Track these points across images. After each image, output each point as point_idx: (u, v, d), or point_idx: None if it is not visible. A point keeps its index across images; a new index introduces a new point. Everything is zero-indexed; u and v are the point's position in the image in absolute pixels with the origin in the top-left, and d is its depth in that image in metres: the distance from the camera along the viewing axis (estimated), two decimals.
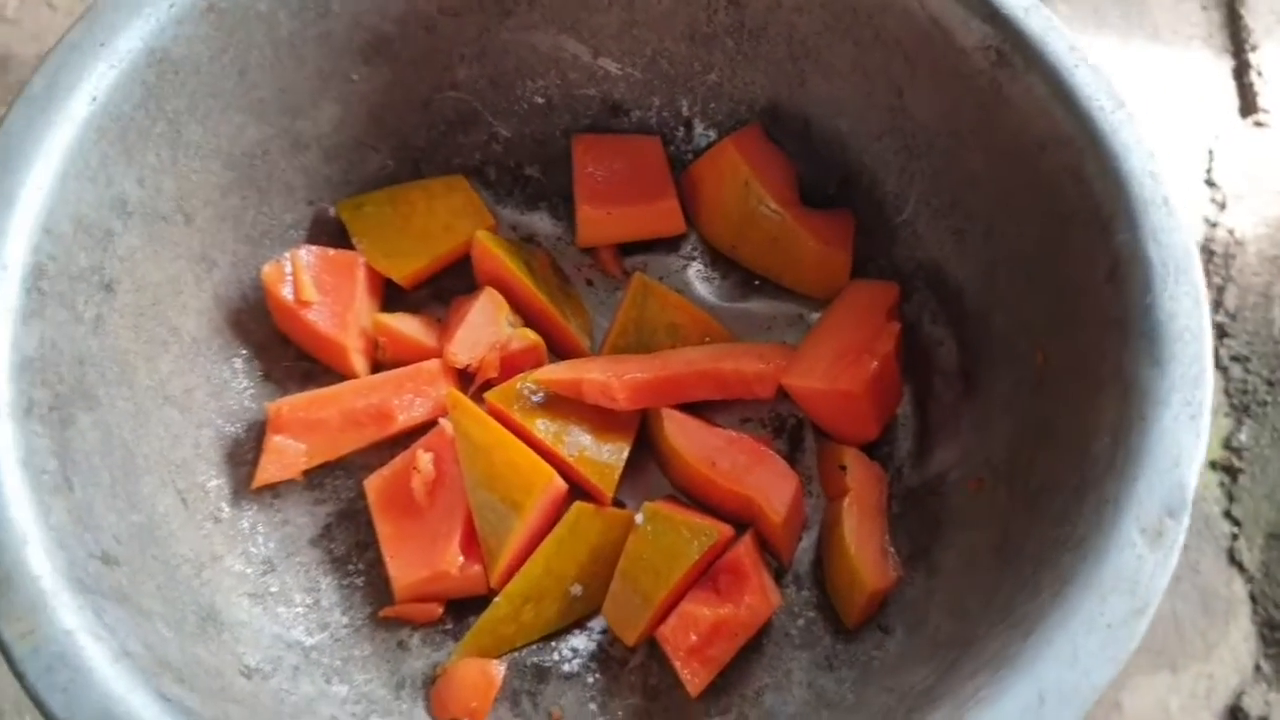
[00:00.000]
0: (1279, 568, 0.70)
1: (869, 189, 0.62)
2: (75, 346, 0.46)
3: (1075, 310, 0.48)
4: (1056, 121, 0.49)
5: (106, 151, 0.48)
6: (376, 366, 0.60)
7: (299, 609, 0.54)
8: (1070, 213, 0.48)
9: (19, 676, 0.37)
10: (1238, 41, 0.95)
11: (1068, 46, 0.50)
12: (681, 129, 0.66)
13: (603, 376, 0.56)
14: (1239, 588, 0.71)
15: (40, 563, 0.39)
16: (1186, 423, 0.41)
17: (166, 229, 0.52)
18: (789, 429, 0.61)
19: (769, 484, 0.55)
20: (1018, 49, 0.50)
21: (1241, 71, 0.94)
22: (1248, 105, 0.90)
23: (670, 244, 0.66)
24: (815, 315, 0.64)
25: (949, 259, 0.58)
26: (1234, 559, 0.71)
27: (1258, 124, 0.89)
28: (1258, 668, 0.68)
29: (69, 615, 0.38)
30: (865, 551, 0.54)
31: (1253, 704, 0.68)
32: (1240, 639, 0.69)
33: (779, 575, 0.57)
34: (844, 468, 0.57)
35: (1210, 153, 0.86)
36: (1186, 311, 0.43)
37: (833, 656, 0.54)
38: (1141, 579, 0.39)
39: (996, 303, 0.55)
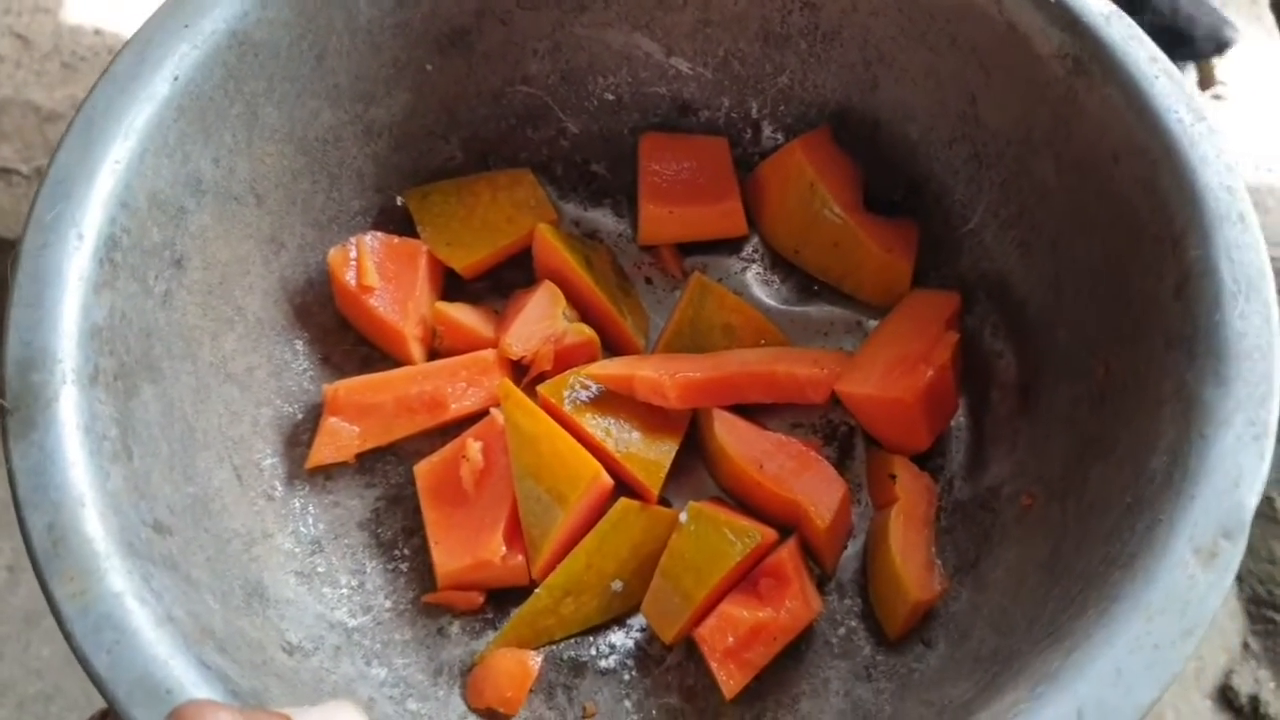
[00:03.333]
0: (1262, 544, 0.68)
1: (936, 197, 0.61)
2: (143, 319, 0.48)
3: (1140, 326, 0.46)
4: (1132, 132, 0.47)
5: (185, 130, 0.49)
6: (433, 354, 0.61)
7: (344, 590, 0.55)
8: (1141, 226, 0.47)
9: (66, 635, 0.38)
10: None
11: (1148, 56, 0.48)
12: (749, 130, 0.66)
13: (655, 374, 0.56)
14: None
15: (94, 526, 0.40)
16: (1250, 443, 0.40)
17: (238, 209, 0.54)
18: (840, 436, 0.61)
19: (816, 489, 0.54)
20: (1096, 58, 0.49)
21: None
22: (1205, 79, 0.90)
23: (731, 245, 0.66)
24: (874, 322, 0.63)
25: (1014, 270, 0.57)
26: None
27: (1216, 97, 0.88)
28: (1245, 645, 0.67)
29: (118, 578, 0.39)
30: (911, 562, 0.53)
31: (1242, 682, 0.66)
32: (1227, 617, 0.68)
33: (822, 582, 0.57)
34: (893, 477, 0.56)
35: None
36: (1256, 330, 0.42)
37: (872, 667, 0.54)
38: (1192, 600, 0.37)
39: (1060, 316, 0.53)
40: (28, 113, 0.89)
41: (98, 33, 0.95)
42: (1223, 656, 0.67)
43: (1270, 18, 0.99)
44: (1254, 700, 0.69)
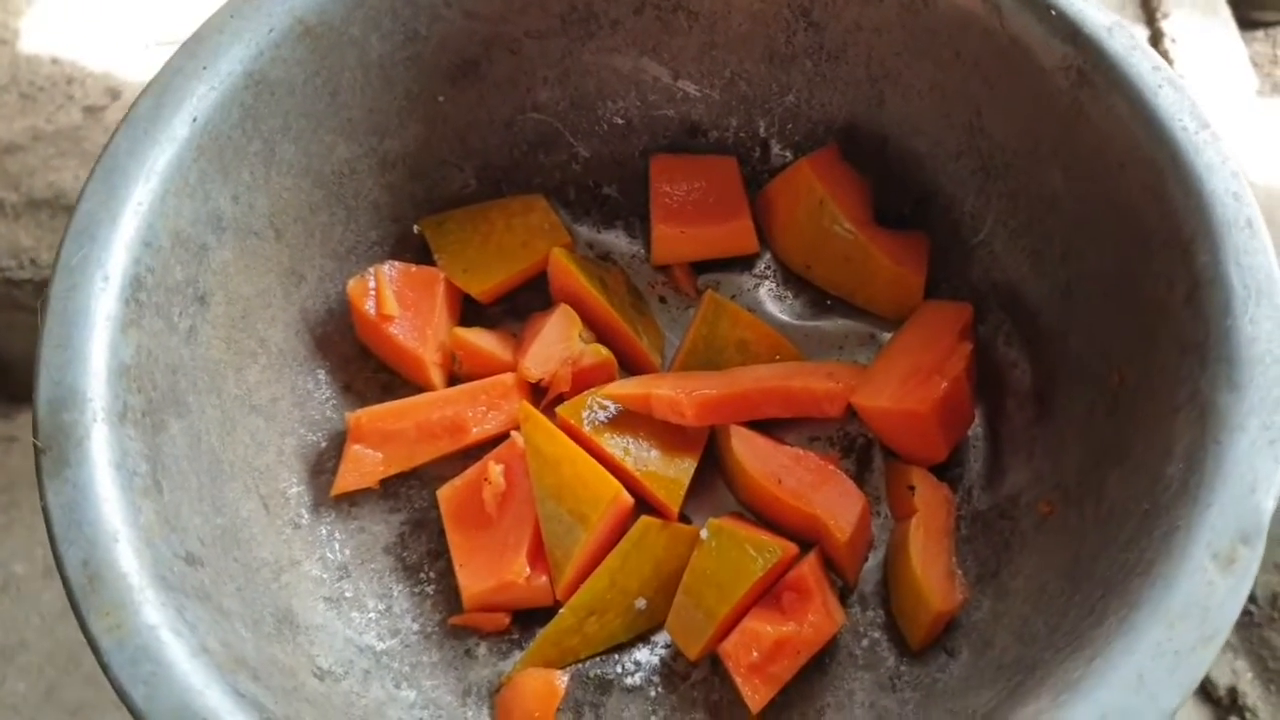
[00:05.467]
0: None
1: (945, 209, 0.61)
2: (169, 355, 0.48)
3: (1152, 332, 0.47)
4: (1138, 142, 0.48)
5: (205, 169, 0.50)
6: (453, 379, 0.62)
7: (371, 614, 0.55)
8: (1150, 234, 0.47)
9: (104, 668, 0.39)
10: (1149, 10, 0.96)
11: (1151, 67, 0.49)
12: (758, 149, 0.67)
13: (672, 392, 0.56)
14: None
15: (129, 561, 0.41)
16: (1264, 448, 0.40)
17: (258, 244, 0.55)
18: (858, 448, 0.61)
19: (835, 502, 0.55)
20: (1100, 69, 0.49)
21: (1156, 40, 0.95)
22: None
23: (744, 263, 0.67)
24: (887, 335, 0.64)
25: (1025, 280, 0.57)
26: None
27: None
28: None
29: (153, 611, 0.40)
30: (931, 573, 0.53)
31: (1220, 674, 0.66)
32: None
33: (844, 595, 0.57)
34: (912, 488, 0.56)
35: None
36: (1267, 335, 0.42)
37: (896, 678, 0.54)
38: (1212, 606, 0.38)
39: (1072, 325, 0.54)
40: None
41: (55, 62, 0.95)
42: None
43: (1226, 10, 1.00)
44: (1232, 691, 0.69)
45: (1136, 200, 0.48)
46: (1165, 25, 0.96)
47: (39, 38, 0.97)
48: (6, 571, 0.88)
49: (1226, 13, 1.00)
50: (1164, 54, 0.91)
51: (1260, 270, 0.43)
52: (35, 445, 0.42)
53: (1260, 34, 1.12)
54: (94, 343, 0.44)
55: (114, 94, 0.93)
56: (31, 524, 0.90)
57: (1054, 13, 0.50)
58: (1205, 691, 0.68)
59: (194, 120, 0.50)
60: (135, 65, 0.95)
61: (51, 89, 0.93)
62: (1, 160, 0.89)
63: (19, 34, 0.96)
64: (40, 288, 0.84)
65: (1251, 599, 0.69)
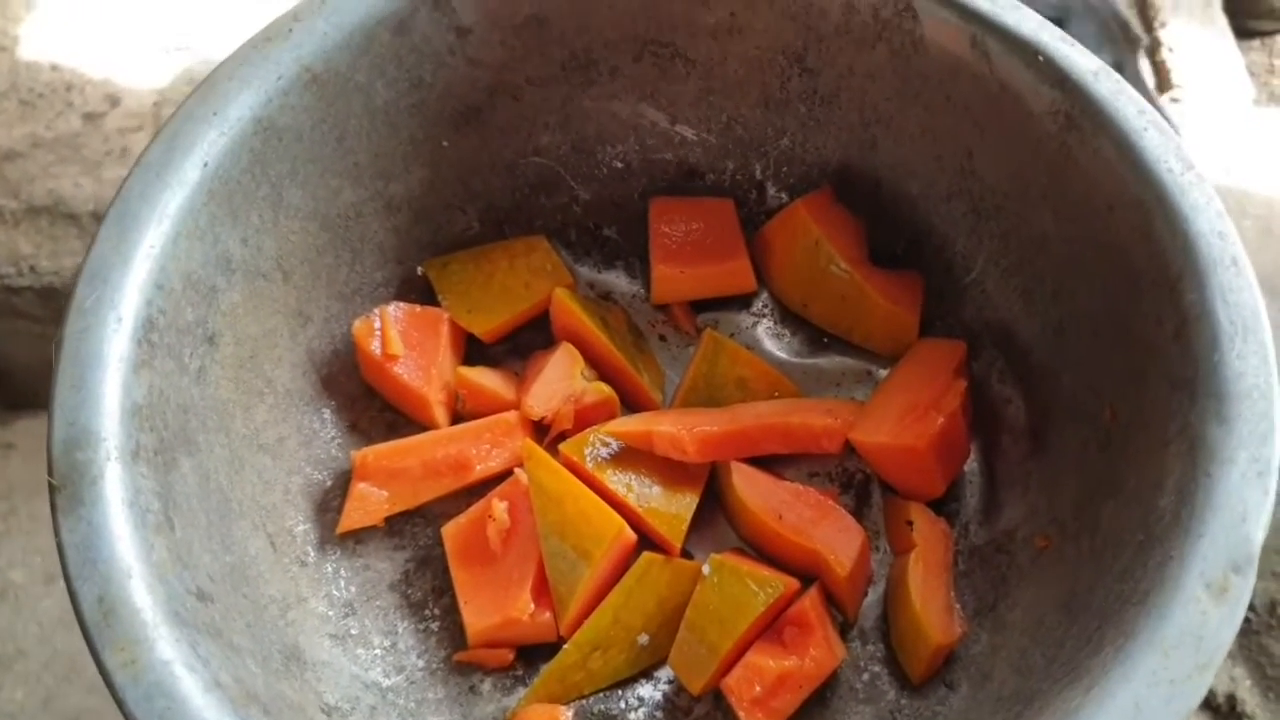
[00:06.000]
0: None
1: (938, 249, 0.63)
2: (180, 395, 0.49)
3: (1143, 369, 0.48)
4: (1126, 183, 0.49)
5: (215, 213, 0.51)
6: (457, 418, 0.63)
7: (377, 651, 0.56)
8: (1138, 273, 0.49)
9: (119, 703, 0.40)
10: (1147, 19, 0.97)
11: (1137, 110, 0.50)
12: (754, 192, 0.68)
13: (673, 429, 0.57)
14: None
15: (142, 596, 0.41)
16: (1254, 480, 0.41)
17: (266, 286, 0.56)
18: (856, 484, 0.62)
19: (835, 538, 0.56)
20: (1087, 113, 0.51)
21: (1154, 49, 0.95)
22: (1162, 82, 0.90)
23: (742, 301, 0.68)
24: (884, 372, 0.65)
25: (1017, 318, 0.59)
26: None
27: (1173, 100, 0.89)
28: None
29: (167, 647, 0.40)
30: (930, 606, 0.54)
31: (1219, 681, 0.66)
32: None
33: (844, 629, 0.58)
34: (910, 523, 0.57)
35: None
36: (1254, 370, 0.43)
37: (897, 711, 0.54)
38: (1206, 634, 0.38)
39: (1065, 362, 0.55)
40: None
41: (55, 69, 0.95)
42: None
43: (1223, 20, 1.01)
44: (1230, 699, 0.69)
45: (1125, 240, 0.49)
46: (1163, 34, 0.96)
47: (38, 44, 0.97)
48: (4, 579, 0.87)
49: (1223, 22, 1.01)
50: (1161, 63, 0.91)
51: (1246, 307, 0.45)
52: (50, 484, 0.43)
53: (1257, 43, 1.12)
54: (108, 383, 0.45)
55: (113, 101, 0.93)
56: (30, 531, 0.90)
57: (1041, 58, 0.52)
58: (1204, 699, 0.68)
59: (205, 165, 0.51)
60: (135, 72, 0.95)
61: (51, 96, 0.93)
62: (1, 167, 0.89)
63: (18, 40, 0.97)
64: (40, 295, 0.84)
65: (1250, 606, 0.69)
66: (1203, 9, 1.00)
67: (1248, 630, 0.69)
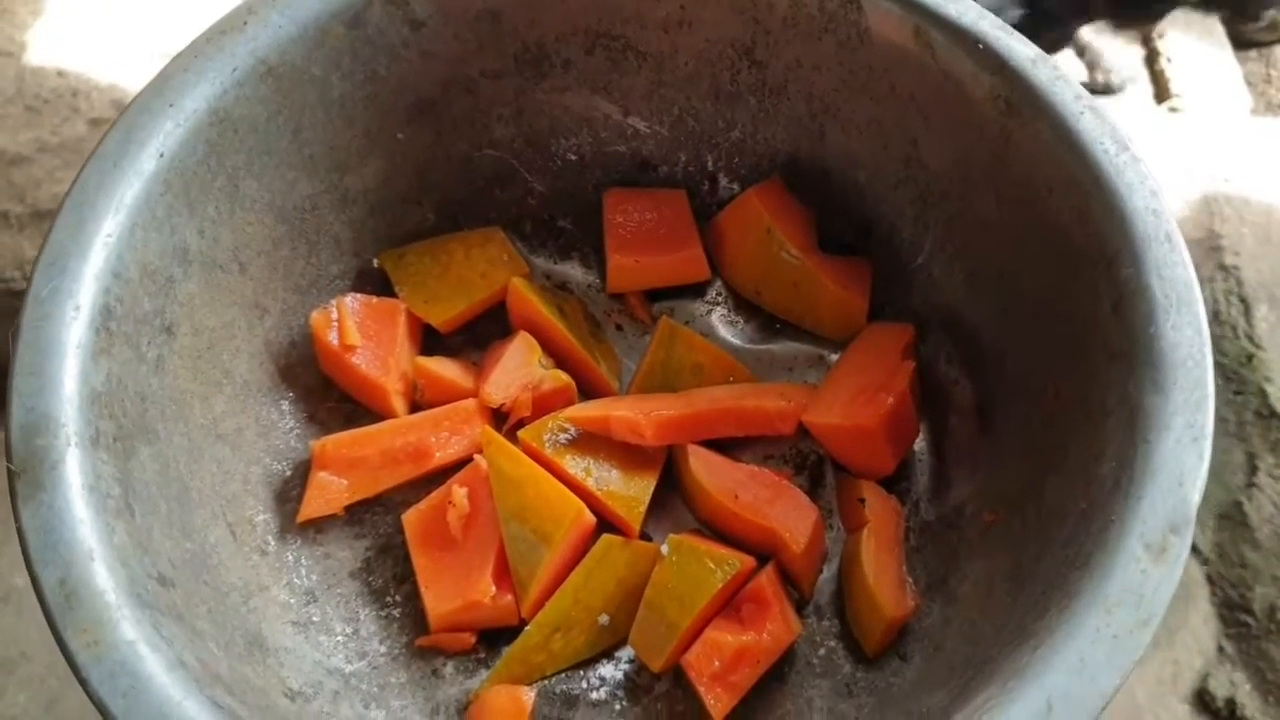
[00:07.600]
0: (1232, 548, 0.70)
1: (886, 236, 0.64)
2: (138, 383, 0.49)
3: (1083, 344, 0.50)
4: (1063, 165, 0.51)
5: (172, 203, 0.51)
6: (415, 408, 0.63)
7: (339, 638, 0.56)
8: (1077, 251, 0.50)
9: (83, 683, 0.40)
10: (1145, 31, 0.98)
11: (1073, 95, 0.52)
12: (706, 182, 0.69)
13: (631, 414, 0.58)
14: (1195, 570, 0.71)
15: (104, 579, 0.41)
16: (1189, 445, 0.43)
17: (223, 277, 0.56)
18: (810, 465, 0.63)
19: (790, 516, 0.57)
20: (1025, 99, 0.52)
21: (1152, 59, 0.97)
22: (1161, 91, 0.93)
23: (696, 290, 0.69)
24: (835, 356, 0.66)
25: (963, 301, 0.60)
26: None
27: (1172, 109, 0.91)
28: (1220, 649, 0.69)
29: (130, 627, 0.40)
30: (883, 581, 0.55)
31: (1219, 686, 0.68)
32: (1200, 621, 0.70)
33: (800, 606, 0.59)
34: (863, 501, 0.59)
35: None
36: (1189, 340, 0.45)
37: (852, 684, 0.56)
38: (1146, 592, 0.40)
39: (1009, 343, 0.57)
40: None
41: (61, 75, 0.95)
42: (1199, 660, 0.69)
43: (1220, 30, 1.03)
44: (1230, 703, 0.70)
45: (1064, 221, 0.51)
46: (1161, 45, 0.98)
47: (45, 50, 0.97)
48: (7, 584, 0.86)
49: (1221, 33, 1.03)
50: (1160, 73, 0.93)
51: (1180, 281, 0.46)
52: (9, 469, 0.43)
53: (1254, 54, 1.14)
54: (66, 370, 0.45)
55: (119, 106, 0.93)
56: None
57: (981, 46, 0.53)
58: (1204, 703, 0.69)
59: (160, 155, 0.51)
60: (141, 78, 0.95)
61: (57, 101, 0.93)
62: (7, 172, 0.89)
63: (25, 46, 0.97)
64: None
65: (1250, 611, 0.71)
66: (1201, 20, 1.02)
67: (1248, 635, 0.70)
